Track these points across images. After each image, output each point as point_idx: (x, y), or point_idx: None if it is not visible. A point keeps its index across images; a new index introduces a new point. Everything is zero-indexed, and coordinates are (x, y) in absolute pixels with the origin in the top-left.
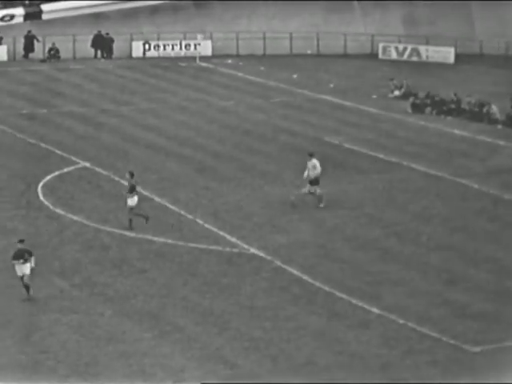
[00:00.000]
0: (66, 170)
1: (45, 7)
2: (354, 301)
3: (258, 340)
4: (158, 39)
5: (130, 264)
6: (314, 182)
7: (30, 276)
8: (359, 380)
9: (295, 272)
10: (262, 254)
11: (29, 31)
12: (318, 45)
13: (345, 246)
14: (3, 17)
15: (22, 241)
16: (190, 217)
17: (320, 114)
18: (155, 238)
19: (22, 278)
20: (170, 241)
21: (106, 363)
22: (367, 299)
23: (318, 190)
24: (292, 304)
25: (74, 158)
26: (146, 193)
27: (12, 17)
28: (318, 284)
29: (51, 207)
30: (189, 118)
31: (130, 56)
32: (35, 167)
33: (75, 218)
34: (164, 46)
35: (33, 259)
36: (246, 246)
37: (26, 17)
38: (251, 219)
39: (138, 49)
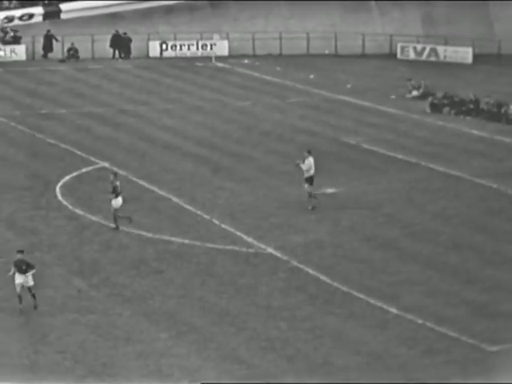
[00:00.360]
0: (84, 170)
1: (64, 6)
2: (371, 301)
3: (275, 340)
4: (175, 39)
5: (148, 264)
6: (310, 181)
7: (34, 286)
8: (377, 380)
9: (312, 272)
10: (278, 254)
11: (48, 31)
12: (335, 45)
13: (363, 245)
14: (22, 16)
15: (21, 251)
16: (206, 217)
17: (338, 114)
18: (172, 239)
19: (20, 285)
20: (187, 241)
21: (124, 363)
22: (385, 299)
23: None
24: (309, 304)
25: (92, 159)
26: (162, 193)
27: (31, 16)
28: (335, 284)
29: (70, 207)
30: (205, 118)
31: (147, 56)
32: (54, 167)
33: (94, 218)
34: (180, 46)
35: (32, 272)
36: (262, 246)
37: (45, 16)
38: (268, 219)
39: (154, 49)
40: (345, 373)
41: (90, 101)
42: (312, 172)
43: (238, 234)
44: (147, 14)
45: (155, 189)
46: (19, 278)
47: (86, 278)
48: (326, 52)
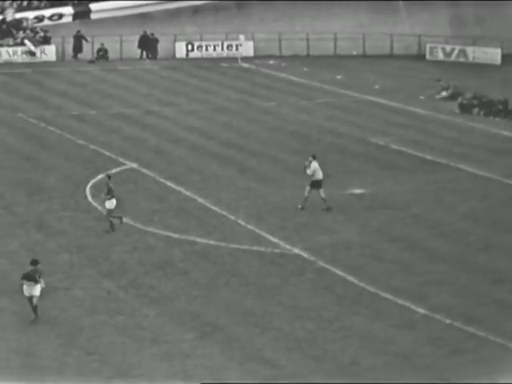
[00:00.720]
0: (113, 171)
1: (93, 6)
2: (399, 301)
3: (301, 340)
4: (201, 40)
5: (174, 265)
6: (317, 184)
7: (39, 297)
8: (404, 380)
9: (339, 272)
10: (305, 255)
11: (78, 31)
12: (363, 45)
13: (391, 246)
14: (52, 16)
15: (34, 262)
16: (231, 218)
17: (365, 114)
18: (198, 239)
19: (29, 298)
20: (212, 242)
21: (149, 364)
22: (413, 299)
23: (321, 193)
24: (336, 304)
25: (121, 159)
26: (188, 193)
27: (61, 16)
28: (362, 284)
29: (99, 208)
30: (231, 118)
31: (173, 57)
32: (84, 168)
33: (122, 219)
34: (206, 47)
35: (42, 281)
36: (288, 247)
37: (75, 16)
38: (294, 220)
39: (181, 49)
40: (372, 373)
41: (118, 102)
42: (318, 176)
43: (264, 234)
44: (174, 14)
45: (181, 189)
46: (29, 290)
47: (115, 279)
48: (354, 53)
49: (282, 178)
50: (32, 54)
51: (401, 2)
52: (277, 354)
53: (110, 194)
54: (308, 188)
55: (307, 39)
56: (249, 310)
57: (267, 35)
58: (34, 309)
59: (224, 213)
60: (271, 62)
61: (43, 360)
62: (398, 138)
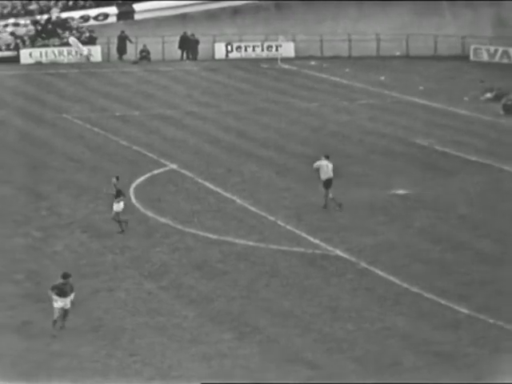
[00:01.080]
0: (155, 172)
1: (137, 7)
2: (442, 301)
3: (342, 341)
4: (240, 41)
5: (213, 266)
6: (328, 184)
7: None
8: (446, 380)
9: (381, 273)
10: (346, 256)
11: (122, 31)
12: (407, 46)
13: (434, 247)
14: (97, 16)
15: (66, 276)
16: (271, 218)
17: (409, 115)
18: (237, 240)
19: (61, 309)
20: (251, 243)
21: (188, 365)
22: (456, 300)
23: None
24: (377, 305)
25: (162, 161)
26: (227, 194)
27: (106, 16)
28: (405, 285)
29: (142, 209)
30: (270, 119)
31: (213, 57)
32: (128, 169)
33: (163, 220)
34: (246, 48)
35: (73, 295)
36: (329, 248)
37: (119, 16)
38: (336, 221)
39: (220, 50)
40: (414, 373)
41: (159, 103)
42: (327, 175)
43: (304, 235)
44: (214, 15)
45: (220, 190)
46: (60, 302)
47: (156, 280)
48: (397, 54)
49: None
50: (85, 54)
51: (445, 3)
52: (316, 355)
53: (119, 196)
54: (324, 191)
55: (349, 40)
56: (288, 311)
57: (308, 36)
58: (63, 317)
59: (263, 213)
60: (312, 62)
61: (86, 362)
62: (441, 138)
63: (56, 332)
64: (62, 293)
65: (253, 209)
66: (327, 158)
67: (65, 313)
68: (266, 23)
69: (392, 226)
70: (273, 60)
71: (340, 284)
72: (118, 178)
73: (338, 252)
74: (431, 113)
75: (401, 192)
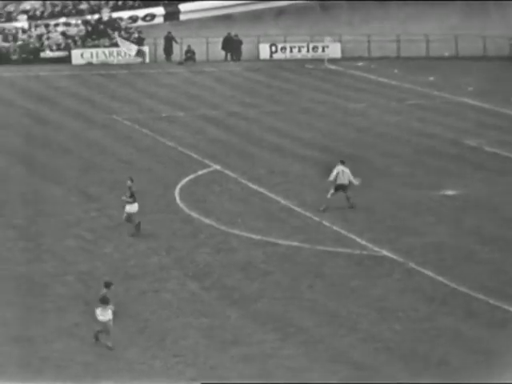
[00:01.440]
0: (200, 172)
1: (182, 7)
2: (491, 301)
3: (388, 341)
4: (285, 41)
5: (256, 267)
6: (341, 188)
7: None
8: (495, 380)
9: (429, 273)
10: (394, 256)
11: (169, 32)
12: (456, 47)
13: (483, 247)
14: (145, 16)
15: (108, 285)
16: (316, 219)
17: (458, 116)
18: (281, 241)
19: (104, 323)
20: (295, 243)
21: (231, 366)
22: (505, 299)
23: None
24: (425, 305)
25: (206, 161)
26: (271, 195)
27: (153, 16)
28: (453, 285)
29: (186, 210)
30: (316, 120)
31: (257, 58)
32: (173, 170)
33: (207, 221)
34: (291, 49)
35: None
36: (376, 249)
37: (166, 17)
38: (383, 221)
39: (264, 51)
40: (462, 372)
41: (204, 103)
42: (341, 181)
43: (350, 236)
44: (258, 16)
45: (264, 191)
46: (104, 314)
47: (200, 280)
48: (446, 54)
49: (369, 179)
50: (140, 54)
51: (492, 2)
52: (362, 355)
53: (133, 197)
54: (332, 191)
55: (398, 41)
56: (333, 311)
57: (355, 36)
58: (107, 335)
59: (308, 214)
60: (360, 63)
61: (133, 364)
62: (491, 139)
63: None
64: (104, 301)
65: (297, 209)
66: (343, 163)
67: (107, 329)
68: (312, 24)
69: (440, 227)
70: (318, 61)
71: (387, 284)
72: (132, 180)
73: (386, 252)
74: (480, 113)
75: (450, 192)
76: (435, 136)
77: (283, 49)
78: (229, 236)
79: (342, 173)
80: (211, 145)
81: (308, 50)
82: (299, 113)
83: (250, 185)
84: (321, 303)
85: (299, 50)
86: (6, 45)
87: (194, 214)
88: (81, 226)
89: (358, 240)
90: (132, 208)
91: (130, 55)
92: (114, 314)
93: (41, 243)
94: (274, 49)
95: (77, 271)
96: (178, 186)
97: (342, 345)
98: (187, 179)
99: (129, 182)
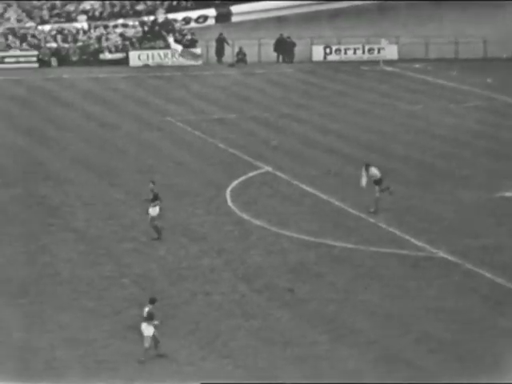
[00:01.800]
0: (251, 174)
1: (234, 9)
2: None
3: (444, 342)
4: (339, 43)
5: (308, 268)
6: (379, 182)
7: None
8: None
9: (487, 274)
10: (451, 258)
11: (220, 34)
12: None
13: None
14: (198, 18)
15: (153, 301)
16: (371, 220)
17: None
18: (334, 243)
19: (151, 337)
20: (349, 245)
21: (282, 367)
22: None
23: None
24: (482, 306)
25: (258, 163)
26: (324, 196)
27: (206, 18)
28: (509, 285)
29: (238, 212)
30: (371, 122)
31: (310, 60)
32: (224, 172)
33: (258, 222)
34: (345, 50)
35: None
36: (434, 250)
37: (218, 18)
38: (440, 223)
39: (318, 53)
40: None
41: (255, 105)
42: (376, 177)
43: (407, 237)
44: (312, 17)
45: (317, 192)
46: (149, 330)
47: (250, 282)
48: (504, 56)
49: (426, 181)
50: (186, 54)
51: None
52: (417, 355)
53: (155, 200)
54: (376, 188)
55: (455, 42)
56: (388, 313)
57: (411, 38)
58: (156, 345)
59: (363, 215)
60: (417, 65)
61: (183, 365)
62: None
63: (144, 358)
64: (150, 317)
65: (352, 211)
66: (368, 165)
67: (155, 340)
68: (367, 25)
69: (499, 229)
70: (374, 63)
71: (443, 285)
72: (153, 183)
73: (442, 254)
74: None
75: (509, 194)
76: (494, 138)
77: (338, 50)
78: (280, 237)
79: (371, 170)
80: (262, 146)
81: (363, 52)
82: (354, 114)
83: (303, 186)
84: (375, 304)
85: (354, 52)
86: (66, 45)
87: (245, 216)
88: (136, 228)
89: (415, 241)
90: (154, 211)
91: (178, 56)
92: (157, 327)
93: (98, 246)
94: (328, 50)
95: (133, 274)
96: (229, 188)
97: (397, 346)
98: (238, 181)
99: (151, 185)
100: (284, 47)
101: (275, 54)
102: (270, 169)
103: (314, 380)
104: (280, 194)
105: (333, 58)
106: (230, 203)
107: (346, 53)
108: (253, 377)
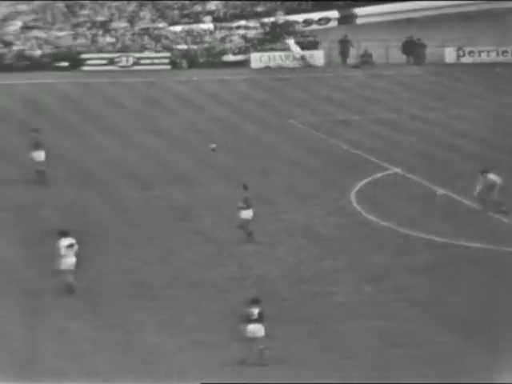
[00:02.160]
0: (377, 175)
1: (358, 11)
2: None
3: None
4: (472, 45)
5: (439, 269)
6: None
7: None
8: None
9: None
10: None
11: (345, 35)
12: None
13: None
14: (319, 20)
15: (258, 301)
16: (505, 221)
17: None
18: (466, 243)
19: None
20: (482, 245)
21: (406, 366)
22: None
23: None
24: None
25: (385, 164)
26: (456, 197)
27: (328, 20)
28: None
29: (363, 213)
30: (508, 124)
31: (442, 62)
32: (348, 174)
33: (385, 223)
34: (479, 53)
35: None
36: None
37: (340, 21)
38: None
39: (450, 55)
40: None
41: (381, 106)
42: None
43: None
44: (442, 20)
45: (448, 193)
46: (262, 330)
47: (376, 283)
48: None
49: None
50: (302, 58)
51: None
52: None
53: (247, 203)
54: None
55: None
56: None
57: None
58: (260, 353)
59: (497, 216)
60: None
61: (303, 365)
62: None
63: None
64: (261, 318)
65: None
66: (485, 172)
67: (260, 345)
68: (499, 28)
69: None
70: (508, 65)
71: None
72: (246, 187)
73: None
74: None
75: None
76: None
77: (471, 53)
78: (409, 238)
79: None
80: (389, 148)
81: (497, 54)
82: (488, 116)
83: (433, 187)
84: (509, 304)
85: (488, 54)
86: (195, 47)
87: (372, 217)
88: (257, 229)
89: None
90: (246, 214)
91: (296, 59)
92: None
93: (223, 248)
94: (461, 53)
95: (254, 275)
96: (355, 189)
97: None
98: (364, 182)
99: (243, 189)
100: (413, 49)
101: (403, 56)
102: (398, 170)
103: (444, 380)
104: (409, 195)
105: (466, 60)
106: (355, 204)
107: (479, 55)
108: (372, 377)
